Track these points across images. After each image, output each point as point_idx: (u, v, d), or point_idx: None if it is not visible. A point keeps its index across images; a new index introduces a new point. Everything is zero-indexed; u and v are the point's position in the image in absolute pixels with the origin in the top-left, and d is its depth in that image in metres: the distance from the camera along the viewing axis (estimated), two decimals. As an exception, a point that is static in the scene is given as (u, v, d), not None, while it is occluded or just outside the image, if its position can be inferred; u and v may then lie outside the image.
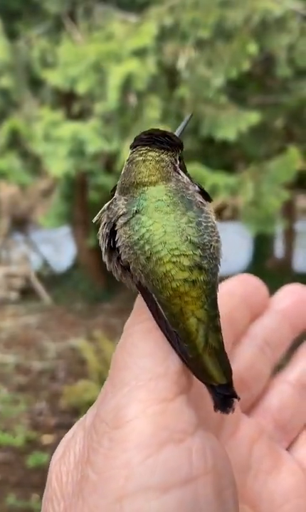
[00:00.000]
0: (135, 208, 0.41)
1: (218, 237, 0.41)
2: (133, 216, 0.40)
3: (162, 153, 0.43)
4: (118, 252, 0.41)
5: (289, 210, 7.99)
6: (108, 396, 0.37)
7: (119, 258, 0.42)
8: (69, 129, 4.96)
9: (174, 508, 0.33)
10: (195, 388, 0.39)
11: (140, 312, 0.41)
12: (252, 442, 0.46)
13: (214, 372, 0.38)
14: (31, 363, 5.03)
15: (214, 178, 4.73)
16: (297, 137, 6.50)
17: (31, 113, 5.74)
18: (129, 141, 0.45)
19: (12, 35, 5.93)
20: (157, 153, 0.43)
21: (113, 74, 4.58)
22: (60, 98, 6.32)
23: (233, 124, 4.66)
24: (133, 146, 0.44)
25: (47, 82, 5.46)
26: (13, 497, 3.04)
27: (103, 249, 0.43)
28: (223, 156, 6.23)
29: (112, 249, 0.42)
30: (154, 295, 0.39)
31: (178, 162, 0.44)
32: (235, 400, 0.38)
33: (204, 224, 0.40)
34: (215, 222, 0.42)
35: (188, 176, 0.44)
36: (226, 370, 0.38)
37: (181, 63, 4.76)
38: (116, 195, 0.43)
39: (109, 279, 6.48)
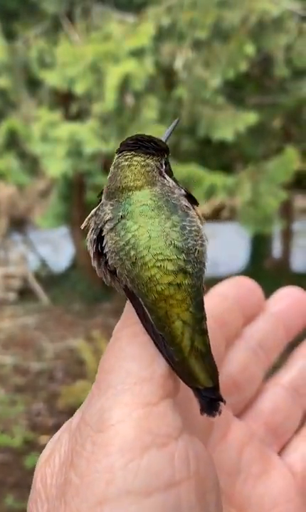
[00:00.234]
0: (121, 213, 0.41)
1: (203, 240, 0.41)
2: (119, 221, 0.41)
3: (147, 158, 0.43)
4: (105, 257, 0.42)
5: (287, 211, 8.00)
6: (94, 399, 0.37)
7: (106, 263, 0.42)
8: (67, 129, 4.95)
9: None
10: (183, 392, 0.39)
11: (128, 316, 0.41)
12: (242, 445, 0.46)
13: (200, 376, 0.38)
14: (29, 363, 5.02)
15: (212, 179, 4.73)
16: (294, 137, 6.52)
17: (29, 113, 5.74)
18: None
19: (10, 36, 5.92)
20: (142, 158, 0.43)
21: (111, 74, 4.58)
22: (57, 98, 6.31)
23: (230, 125, 4.66)
24: (119, 151, 0.44)
25: (45, 82, 5.46)
26: (11, 498, 3.03)
27: (91, 255, 0.43)
28: (220, 156, 6.24)
29: (100, 254, 0.42)
30: (140, 299, 0.39)
31: (163, 166, 0.44)
32: (222, 403, 0.38)
33: (188, 228, 0.40)
34: (201, 226, 0.42)
35: (174, 180, 0.44)
36: (212, 373, 0.38)
37: (179, 64, 4.76)
38: (103, 200, 0.44)
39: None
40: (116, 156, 0.44)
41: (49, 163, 5.16)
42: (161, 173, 0.43)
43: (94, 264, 0.43)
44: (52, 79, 5.12)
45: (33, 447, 3.53)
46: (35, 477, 0.39)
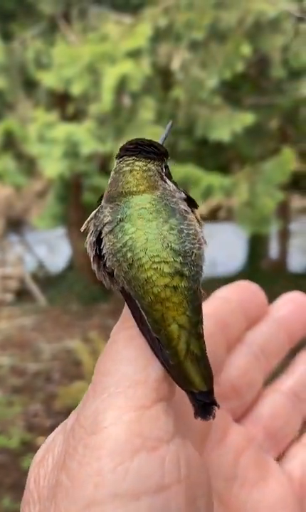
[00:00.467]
0: (119, 216, 0.41)
1: (201, 244, 0.41)
2: (117, 224, 0.41)
3: (149, 162, 0.43)
4: (104, 259, 0.42)
5: (284, 211, 8.02)
6: (89, 401, 0.37)
7: (105, 265, 0.42)
8: (63, 130, 4.96)
9: None
10: (179, 395, 0.39)
11: (126, 318, 0.41)
12: (240, 450, 0.46)
13: (195, 379, 0.38)
14: (26, 364, 5.02)
15: (209, 179, 4.74)
16: (291, 138, 6.54)
17: (26, 114, 5.74)
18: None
19: (6, 36, 5.92)
20: (144, 163, 0.43)
21: (107, 75, 4.58)
22: (54, 99, 6.32)
23: (227, 125, 4.67)
24: (119, 156, 0.44)
25: (41, 83, 5.46)
26: (8, 499, 3.03)
27: (91, 258, 0.43)
28: (217, 157, 6.24)
29: (100, 257, 0.42)
30: (137, 301, 0.39)
31: (164, 170, 0.44)
32: (216, 407, 0.38)
33: (186, 231, 0.40)
34: (199, 229, 0.42)
35: (174, 183, 0.44)
36: (207, 377, 0.38)
37: (175, 64, 4.77)
38: (103, 203, 0.44)
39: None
40: (116, 161, 0.44)
41: (46, 164, 5.17)
42: (162, 178, 0.43)
43: (94, 267, 0.44)
44: (48, 80, 5.13)
45: (31, 448, 3.53)
46: (29, 478, 0.39)
